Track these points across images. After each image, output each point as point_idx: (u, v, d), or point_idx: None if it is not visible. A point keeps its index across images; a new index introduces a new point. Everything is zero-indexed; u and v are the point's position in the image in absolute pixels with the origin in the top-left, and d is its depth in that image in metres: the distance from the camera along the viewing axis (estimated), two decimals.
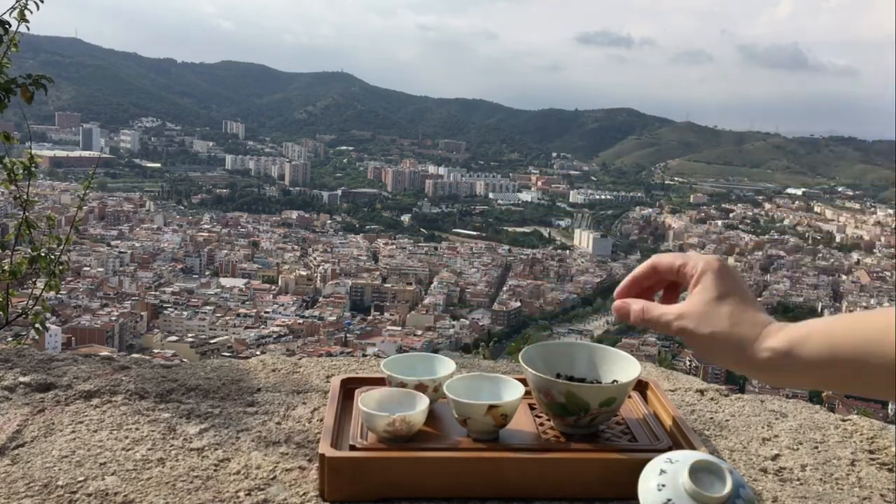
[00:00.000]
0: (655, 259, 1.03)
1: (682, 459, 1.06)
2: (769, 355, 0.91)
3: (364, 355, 2.87)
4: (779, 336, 0.91)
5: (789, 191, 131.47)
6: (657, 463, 1.07)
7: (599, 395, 1.27)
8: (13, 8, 2.63)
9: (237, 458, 1.35)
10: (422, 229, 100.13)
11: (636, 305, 1.01)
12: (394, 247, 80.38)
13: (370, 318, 57.57)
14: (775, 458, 1.45)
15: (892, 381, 0.81)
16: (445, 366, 1.44)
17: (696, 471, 1.02)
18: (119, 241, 68.15)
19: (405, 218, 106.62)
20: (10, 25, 2.63)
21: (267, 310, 56.01)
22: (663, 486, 1.04)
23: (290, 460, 1.35)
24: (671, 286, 1.04)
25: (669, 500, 1.02)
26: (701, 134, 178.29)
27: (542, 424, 1.36)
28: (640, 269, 1.03)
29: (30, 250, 2.90)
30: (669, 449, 1.29)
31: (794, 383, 0.94)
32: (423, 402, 1.30)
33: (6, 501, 1.19)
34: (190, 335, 48.33)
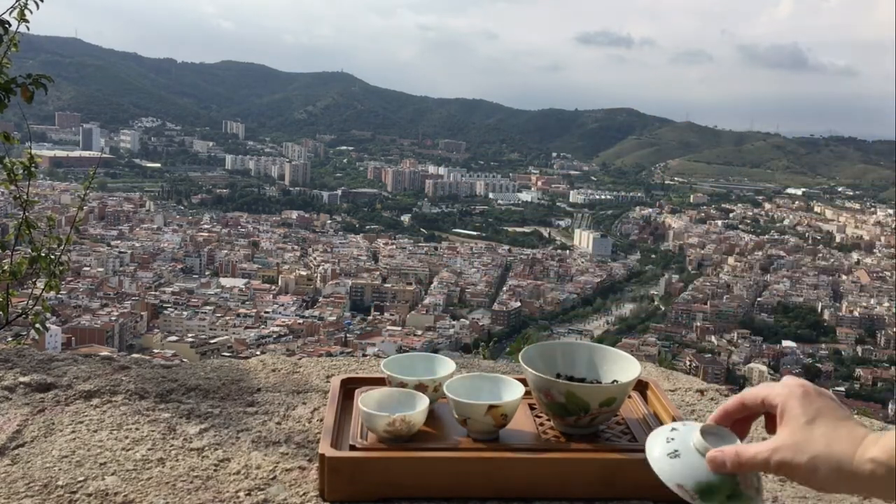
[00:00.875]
0: (743, 394, 1.04)
1: (691, 425, 1.09)
2: (872, 467, 0.89)
3: (364, 355, 2.87)
4: (878, 446, 0.90)
5: (789, 191, 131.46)
6: (666, 427, 1.10)
7: (599, 395, 1.27)
8: (13, 8, 2.63)
9: (237, 458, 1.35)
10: (422, 229, 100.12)
11: (729, 451, 1.00)
12: (394, 247, 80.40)
13: (370, 318, 57.58)
14: None
15: None
16: (445, 366, 1.44)
17: (706, 432, 1.05)
18: (119, 241, 68.15)
19: (405, 218, 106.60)
20: (9, 25, 2.64)
21: (267, 310, 56.01)
22: (672, 440, 1.07)
23: (290, 460, 1.35)
24: (769, 417, 1.04)
25: (676, 450, 1.06)
26: (701, 134, 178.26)
27: (542, 424, 1.36)
28: (730, 402, 1.04)
29: (30, 250, 2.90)
30: None
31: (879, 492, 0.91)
32: (423, 402, 1.30)
33: (6, 501, 1.19)
34: (190, 335, 48.33)
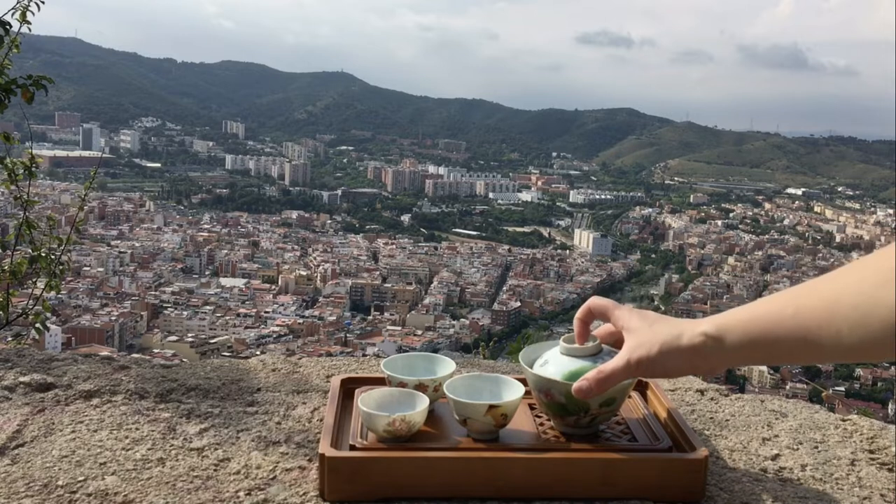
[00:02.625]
0: (589, 302, 1.25)
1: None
2: (702, 339, 1.04)
3: (364, 355, 2.87)
4: (708, 320, 1.04)
5: (789, 191, 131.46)
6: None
7: (600, 396, 1.27)
8: (14, 9, 2.63)
9: (237, 458, 1.35)
10: (422, 229, 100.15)
11: (589, 375, 1.18)
12: (394, 247, 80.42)
13: (370, 318, 57.61)
14: (775, 458, 1.46)
15: (810, 355, 0.95)
16: (445, 366, 1.44)
17: (568, 339, 1.26)
18: (119, 241, 68.17)
19: (405, 218, 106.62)
20: (10, 26, 2.64)
21: (267, 310, 56.04)
22: (544, 359, 1.29)
23: (290, 460, 1.35)
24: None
25: (546, 360, 1.27)
26: (701, 134, 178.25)
27: (542, 424, 1.36)
28: (580, 311, 1.25)
29: (30, 250, 2.90)
30: (670, 449, 1.29)
31: (728, 364, 1.06)
32: (423, 402, 1.30)
33: (6, 501, 1.19)
34: (190, 335, 48.36)
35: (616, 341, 1.24)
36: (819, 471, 1.41)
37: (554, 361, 1.26)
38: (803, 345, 0.94)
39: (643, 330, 1.11)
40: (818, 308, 0.92)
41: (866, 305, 0.85)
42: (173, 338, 47.08)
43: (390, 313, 58.63)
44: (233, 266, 67.48)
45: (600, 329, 1.27)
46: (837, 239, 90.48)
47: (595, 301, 1.23)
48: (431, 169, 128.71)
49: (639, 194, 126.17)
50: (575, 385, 1.18)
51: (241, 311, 55.27)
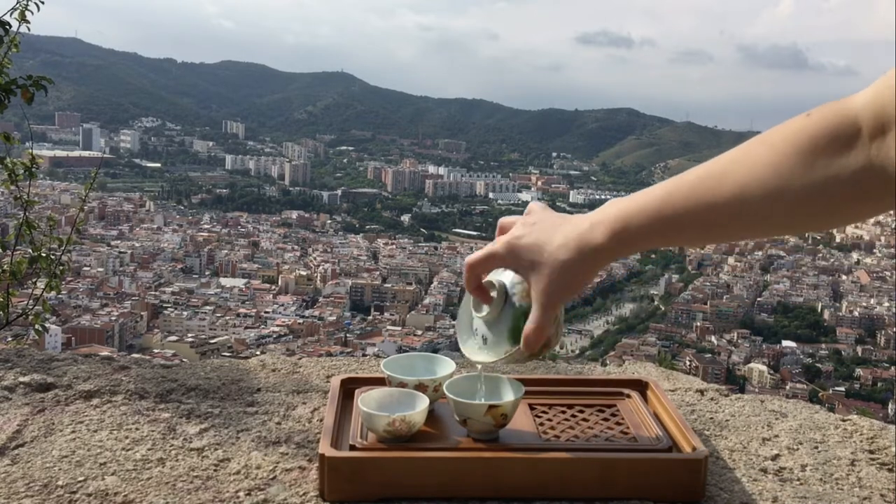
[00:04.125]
0: (467, 265, 1.13)
1: None
2: (605, 244, 0.97)
3: (364, 355, 2.87)
4: (605, 222, 0.97)
5: None
6: None
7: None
8: (14, 9, 2.63)
9: (237, 458, 1.35)
10: (422, 229, 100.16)
11: (524, 347, 1.09)
12: (394, 247, 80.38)
13: (370, 318, 57.59)
14: (775, 458, 1.46)
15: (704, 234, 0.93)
16: (445, 366, 1.44)
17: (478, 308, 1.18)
18: (119, 241, 68.12)
19: (405, 218, 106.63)
20: (10, 26, 2.64)
21: (267, 310, 56.03)
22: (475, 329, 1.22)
23: (290, 460, 1.35)
24: None
25: (480, 338, 1.20)
26: (701, 134, 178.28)
27: (542, 424, 1.37)
28: (476, 260, 1.13)
29: (30, 250, 2.91)
30: (669, 449, 1.29)
31: (634, 251, 0.99)
32: (423, 402, 1.30)
33: (6, 501, 1.19)
34: (190, 335, 48.35)
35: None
36: (819, 471, 1.41)
37: (479, 333, 1.18)
38: (713, 211, 0.90)
39: (542, 259, 1.01)
40: (724, 185, 0.89)
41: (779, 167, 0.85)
42: (173, 338, 47.08)
43: (390, 313, 58.62)
44: (233, 266, 67.46)
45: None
46: (837, 239, 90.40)
47: (473, 261, 1.11)
48: (431, 169, 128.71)
49: None
50: (523, 347, 1.10)
51: (241, 311, 55.26)
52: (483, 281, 1.14)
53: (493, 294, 1.14)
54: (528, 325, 1.07)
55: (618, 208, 0.97)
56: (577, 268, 0.99)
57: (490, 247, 1.09)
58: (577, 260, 0.99)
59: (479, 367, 1.25)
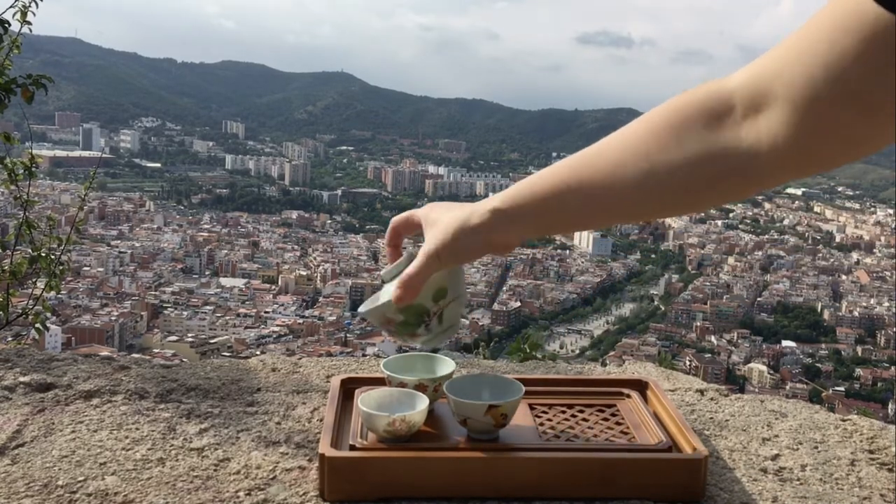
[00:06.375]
0: (392, 223, 1.21)
1: None
2: (490, 214, 1.03)
3: (364, 355, 2.87)
4: (497, 196, 1.03)
5: (789, 191, 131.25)
6: None
7: (427, 292, 1.19)
8: (13, 7, 2.63)
9: (237, 458, 1.35)
10: None
11: (395, 288, 1.15)
12: None
13: None
14: (775, 458, 1.46)
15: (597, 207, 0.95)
16: (445, 366, 1.44)
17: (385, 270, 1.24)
18: (119, 241, 68.07)
19: None
20: (9, 25, 2.64)
21: (267, 310, 56.00)
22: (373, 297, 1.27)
23: (290, 460, 1.35)
24: None
25: (376, 297, 1.24)
26: None
27: (542, 424, 1.37)
28: (397, 219, 1.21)
29: (30, 250, 2.91)
30: (669, 449, 1.29)
31: (522, 235, 1.05)
32: (423, 402, 1.30)
33: (6, 501, 1.19)
34: (190, 335, 48.32)
35: None
36: (819, 471, 1.42)
37: (381, 293, 1.23)
38: (590, 197, 0.93)
39: (440, 221, 1.10)
40: (603, 168, 0.91)
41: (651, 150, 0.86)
42: (173, 338, 47.06)
43: None
44: (233, 266, 67.43)
45: None
46: (837, 239, 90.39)
47: (396, 220, 1.20)
48: (431, 169, 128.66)
49: None
50: (391, 296, 1.15)
51: (241, 311, 55.23)
52: (402, 247, 1.23)
53: (403, 256, 1.23)
54: (405, 271, 1.14)
55: (508, 189, 1.04)
56: (461, 230, 1.06)
57: (412, 210, 1.19)
58: (462, 223, 1.05)
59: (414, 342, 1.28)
